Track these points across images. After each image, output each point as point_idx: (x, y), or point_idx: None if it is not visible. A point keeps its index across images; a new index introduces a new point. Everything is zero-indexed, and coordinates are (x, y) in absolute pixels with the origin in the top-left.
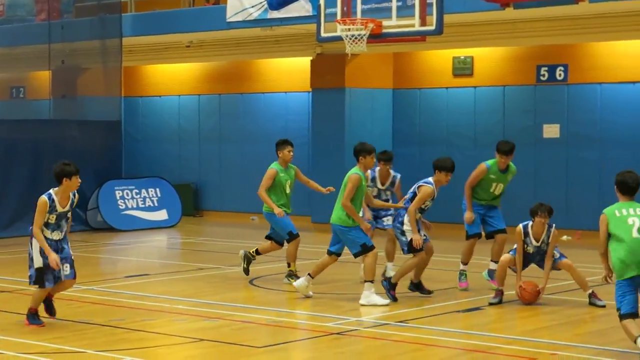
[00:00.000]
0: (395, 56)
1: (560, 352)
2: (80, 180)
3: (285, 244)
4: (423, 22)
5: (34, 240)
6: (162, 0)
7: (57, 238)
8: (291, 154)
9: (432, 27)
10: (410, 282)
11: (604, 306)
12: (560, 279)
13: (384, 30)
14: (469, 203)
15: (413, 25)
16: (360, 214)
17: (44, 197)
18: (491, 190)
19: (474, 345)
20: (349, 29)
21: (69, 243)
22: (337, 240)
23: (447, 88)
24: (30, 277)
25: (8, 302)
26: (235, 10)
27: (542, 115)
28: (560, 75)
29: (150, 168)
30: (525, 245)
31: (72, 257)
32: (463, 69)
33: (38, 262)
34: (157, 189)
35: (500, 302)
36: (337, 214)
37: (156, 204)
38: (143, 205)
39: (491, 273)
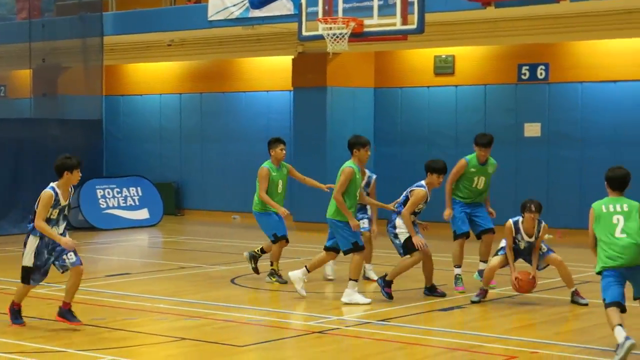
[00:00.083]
0: (377, 55)
1: (541, 351)
2: (80, 174)
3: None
4: (404, 21)
5: (30, 238)
6: None
7: (59, 234)
8: (284, 152)
9: (414, 26)
10: (425, 287)
11: (586, 304)
12: (542, 278)
13: (366, 29)
14: (448, 200)
15: (394, 24)
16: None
17: (49, 191)
18: (474, 185)
19: (456, 343)
20: (331, 28)
21: (67, 236)
22: (333, 234)
23: (428, 87)
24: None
25: None
26: (217, 9)
27: (523, 114)
28: (541, 74)
29: (131, 167)
30: (517, 241)
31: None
32: (444, 67)
33: (28, 261)
34: (139, 188)
35: (480, 300)
36: (333, 208)
37: (137, 203)
38: (124, 204)
39: (482, 273)
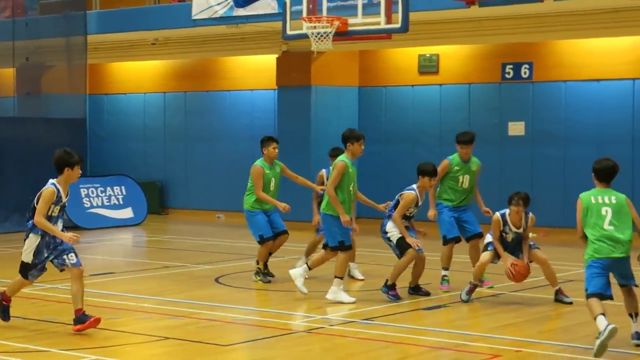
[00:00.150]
0: (361, 54)
1: (525, 349)
2: (81, 171)
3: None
4: (389, 20)
5: (31, 236)
6: None
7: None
8: (276, 150)
9: (398, 25)
10: (409, 286)
11: (570, 303)
12: None
13: (350, 28)
14: (432, 200)
15: (379, 23)
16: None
17: (51, 187)
18: (459, 185)
19: (440, 342)
20: (315, 27)
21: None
22: None
23: (412, 86)
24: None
25: None
26: (201, 7)
27: (507, 113)
28: (525, 73)
29: (115, 166)
30: (504, 234)
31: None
32: (429, 66)
33: (27, 257)
34: (123, 187)
35: (470, 299)
36: (326, 202)
37: (121, 202)
38: (108, 203)
39: None
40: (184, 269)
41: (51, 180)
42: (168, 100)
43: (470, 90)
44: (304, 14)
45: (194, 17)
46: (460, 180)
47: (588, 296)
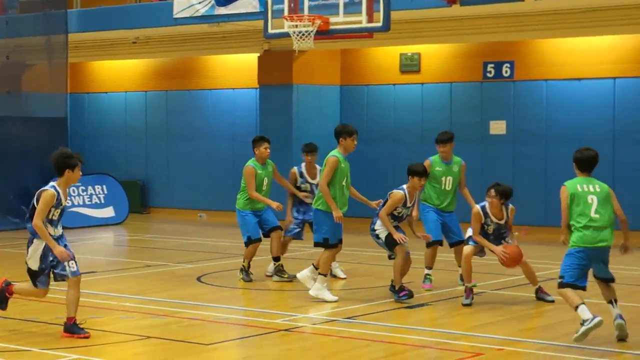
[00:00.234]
0: (343, 53)
1: (506, 347)
2: (81, 172)
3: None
4: (370, 19)
5: (35, 241)
6: None
7: (59, 234)
8: (268, 150)
9: (379, 24)
10: (391, 284)
11: (552, 301)
12: (506, 275)
13: (331, 27)
14: (417, 202)
15: (360, 22)
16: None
17: (51, 190)
18: (442, 187)
19: (422, 340)
20: (296, 26)
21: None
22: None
23: (394, 85)
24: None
25: None
26: (182, 6)
27: (488, 112)
28: (506, 72)
29: (96, 165)
30: (486, 225)
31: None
32: (410, 65)
33: (34, 264)
34: (104, 186)
35: (472, 300)
36: (318, 199)
37: (103, 201)
38: (89, 202)
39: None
40: (165, 268)
41: (51, 183)
42: (149, 99)
43: (451, 89)
44: (286, 13)
45: (175, 16)
46: (443, 182)
47: (562, 285)
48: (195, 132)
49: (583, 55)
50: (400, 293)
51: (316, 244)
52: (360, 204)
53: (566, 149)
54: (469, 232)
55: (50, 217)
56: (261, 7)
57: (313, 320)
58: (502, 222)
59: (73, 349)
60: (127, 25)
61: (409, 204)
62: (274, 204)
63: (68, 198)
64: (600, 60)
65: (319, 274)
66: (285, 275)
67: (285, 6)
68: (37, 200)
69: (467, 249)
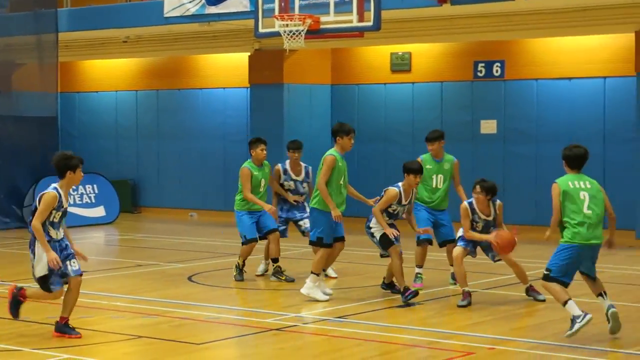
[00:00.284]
0: (333, 52)
1: (497, 346)
2: (82, 174)
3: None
4: (361, 18)
5: (37, 246)
6: None
7: (60, 237)
8: (264, 152)
9: (370, 23)
10: (383, 282)
11: (543, 300)
12: (497, 274)
13: (322, 26)
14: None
15: (351, 21)
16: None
17: (53, 192)
18: (433, 185)
19: (413, 340)
20: (287, 25)
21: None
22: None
23: (385, 84)
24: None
25: None
26: (173, 5)
27: (479, 111)
28: (497, 71)
29: (87, 164)
30: (474, 223)
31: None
32: (401, 65)
33: (42, 269)
34: (94, 186)
35: (469, 303)
36: (315, 198)
37: (93, 201)
38: (80, 202)
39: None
40: (156, 268)
41: (53, 185)
42: (140, 99)
43: (442, 89)
44: (276, 12)
45: (165, 15)
46: (434, 180)
47: (549, 278)
48: (186, 131)
49: (573, 54)
50: (406, 293)
51: (311, 243)
52: (354, 202)
53: (557, 148)
54: (460, 233)
55: (51, 219)
56: (252, 7)
57: (304, 320)
58: (490, 218)
59: (64, 349)
60: (118, 25)
61: (404, 202)
62: (267, 207)
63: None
64: (591, 60)
65: (311, 272)
66: (283, 277)
67: (276, 5)
68: (39, 202)
69: (457, 250)
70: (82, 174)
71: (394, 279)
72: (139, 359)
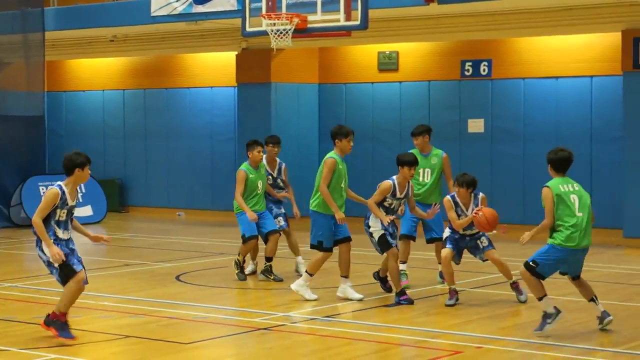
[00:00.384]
0: (321, 51)
1: (485, 345)
2: (90, 171)
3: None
4: (348, 17)
5: (44, 245)
6: None
7: (67, 238)
8: (261, 154)
9: (357, 22)
10: (377, 272)
11: (524, 301)
12: (485, 273)
13: (309, 25)
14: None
15: (338, 20)
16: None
17: (55, 189)
18: (420, 179)
19: (401, 339)
20: (274, 24)
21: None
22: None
23: (372, 83)
24: (58, 280)
25: None
26: (160, 4)
27: (466, 110)
28: (484, 70)
29: None
30: (458, 216)
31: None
32: (388, 64)
33: (58, 260)
34: (82, 185)
35: (456, 301)
36: (316, 201)
37: (80, 200)
38: None
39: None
40: (144, 267)
41: (58, 182)
42: (127, 98)
43: (430, 88)
44: (263, 11)
45: (152, 14)
46: (422, 174)
47: (534, 272)
48: (174, 130)
49: (560, 53)
50: (402, 297)
51: (312, 247)
52: (352, 202)
53: (544, 147)
54: (447, 233)
55: (57, 218)
56: (239, 6)
57: (293, 319)
58: (469, 214)
59: (51, 349)
60: (105, 23)
61: (399, 195)
62: (249, 213)
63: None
64: (578, 59)
65: (306, 271)
66: (272, 277)
67: (263, 4)
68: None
69: (445, 251)
70: (90, 172)
71: (389, 277)
72: (127, 358)
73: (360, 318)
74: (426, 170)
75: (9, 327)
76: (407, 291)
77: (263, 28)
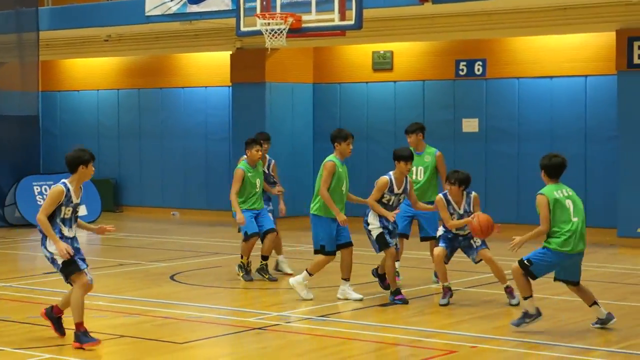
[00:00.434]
0: (315, 51)
1: (480, 345)
2: (94, 168)
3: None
4: (342, 17)
5: (49, 242)
6: None
7: (72, 236)
8: (259, 153)
9: (352, 22)
10: (376, 269)
11: (517, 304)
12: (479, 272)
13: (304, 25)
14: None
15: (333, 20)
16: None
17: (60, 186)
18: (414, 177)
19: (396, 338)
20: (269, 24)
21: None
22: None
23: (367, 83)
24: (64, 278)
25: None
26: (154, 4)
27: (461, 110)
28: (478, 70)
29: None
30: (451, 215)
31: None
32: (383, 63)
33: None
34: None
35: (448, 302)
36: (316, 204)
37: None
38: None
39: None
40: (139, 267)
41: (62, 180)
42: (121, 97)
43: (424, 87)
44: (258, 11)
45: (147, 14)
46: (414, 172)
47: (527, 270)
48: (168, 130)
49: (555, 53)
50: (397, 296)
51: (315, 252)
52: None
53: (538, 147)
54: (440, 231)
55: (62, 216)
56: (233, 5)
57: (287, 319)
58: (462, 213)
59: (45, 349)
60: (99, 23)
61: (396, 190)
62: (239, 215)
63: (40, 196)
64: (572, 58)
65: (306, 269)
66: (267, 276)
67: (257, 4)
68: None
69: (438, 250)
70: (94, 169)
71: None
72: (122, 358)
73: (355, 317)
74: (419, 168)
75: (3, 326)
76: (402, 291)
77: (257, 28)
